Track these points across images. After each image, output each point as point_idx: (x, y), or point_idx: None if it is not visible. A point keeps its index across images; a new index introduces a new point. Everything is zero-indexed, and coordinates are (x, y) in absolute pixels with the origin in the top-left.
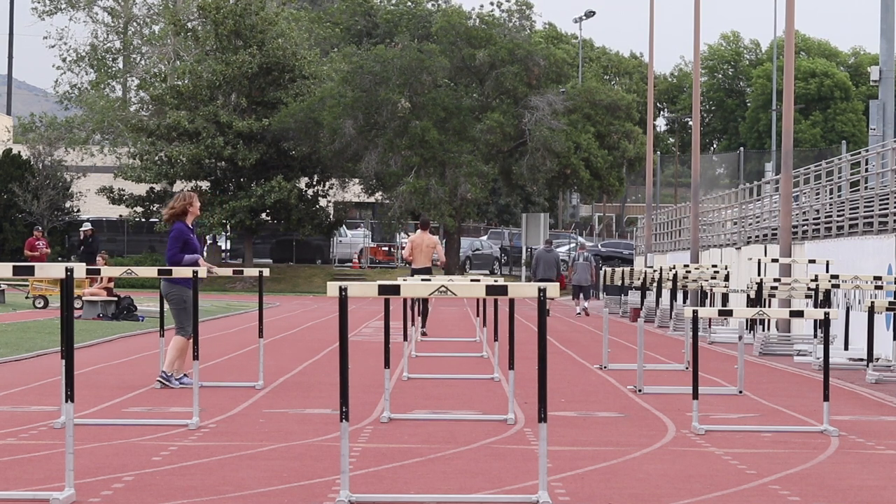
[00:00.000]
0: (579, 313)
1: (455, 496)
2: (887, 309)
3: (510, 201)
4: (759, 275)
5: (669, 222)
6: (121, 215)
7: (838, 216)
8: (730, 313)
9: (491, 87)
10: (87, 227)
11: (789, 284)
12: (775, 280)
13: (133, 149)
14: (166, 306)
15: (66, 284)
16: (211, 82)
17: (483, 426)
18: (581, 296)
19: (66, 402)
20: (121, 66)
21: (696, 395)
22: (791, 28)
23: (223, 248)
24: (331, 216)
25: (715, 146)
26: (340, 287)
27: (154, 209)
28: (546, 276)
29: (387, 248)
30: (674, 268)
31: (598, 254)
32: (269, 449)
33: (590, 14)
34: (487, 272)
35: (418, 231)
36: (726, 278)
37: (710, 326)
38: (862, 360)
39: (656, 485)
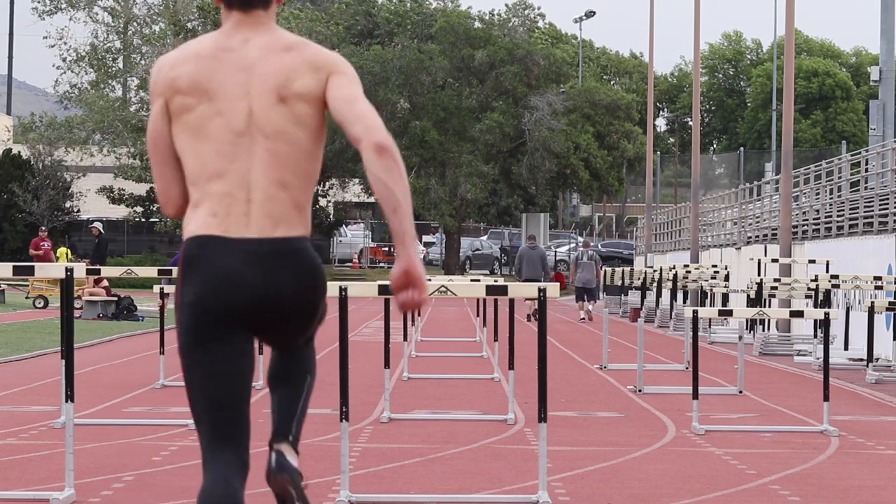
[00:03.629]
0: (583, 318)
1: (455, 496)
2: (887, 309)
3: (511, 203)
4: (759, 275)
5: (669, 222)
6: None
7: (838, 216)
8: (730, 313)
9: (490, 87)
10: (96, 225)
11: (789, 284)
12: (775, 280)
13: (133, 149)
14: (168, 306)
15: (66, 284)
16: None
17: (483, 426)
18: (585, 298)
19: (66, 402)
20: (121, 66)
21: (696, 395)
22: (791, 28)
23: None
24: (331, 216)
25: (715, 146)
26: (340, 287)
27: (154, 209)
28: (531, 277)
29: (387, 248)
30: (674, 268)
31: (598, 253)
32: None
33: (590, 14)
34: (487, 272)
35: None
36: (726, 278)
37: (710, 326)
38: (862, 360)
39: (656, 485)
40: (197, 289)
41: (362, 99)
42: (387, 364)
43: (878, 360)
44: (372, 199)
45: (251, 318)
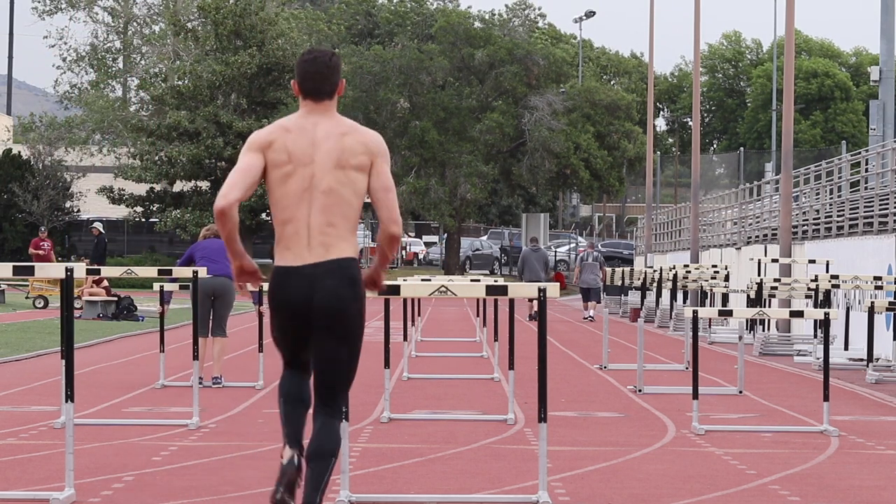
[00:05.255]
0: (586, 318)
1: (455, 496)
2: (887, 309)
3: (512, 203)
4: (759, 275)
5: (669, 222)
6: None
7: (838, 216)
8: (730, 313)
9: (490, 87)
10: (96, 225)
11: (789, 284)
12: (775, 280)
13: (133, 149)
14: (170, 307)
15: (66, 284)
16: (211, 82)
17: (483, 426)
18: (590, 299)
19: (66, 402)
20: (121, 66)
21: (696, 395)
22: (791, 28)
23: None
24: None
25: (715, 146)
26: None
27: (154, 209)
28: (533, 278)
29: None
30: (674, 268)
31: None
32: (269, 449)
33: (590, 14)
34: (487, 272)
35: None
36: (726, 278)
37: (710, 326)
38: (862, 360)
39: (656, 485)
40: (277, 300)
41: (391, 187)
42: (387, 364)
43: (878, 360)
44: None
45: (310, 313)
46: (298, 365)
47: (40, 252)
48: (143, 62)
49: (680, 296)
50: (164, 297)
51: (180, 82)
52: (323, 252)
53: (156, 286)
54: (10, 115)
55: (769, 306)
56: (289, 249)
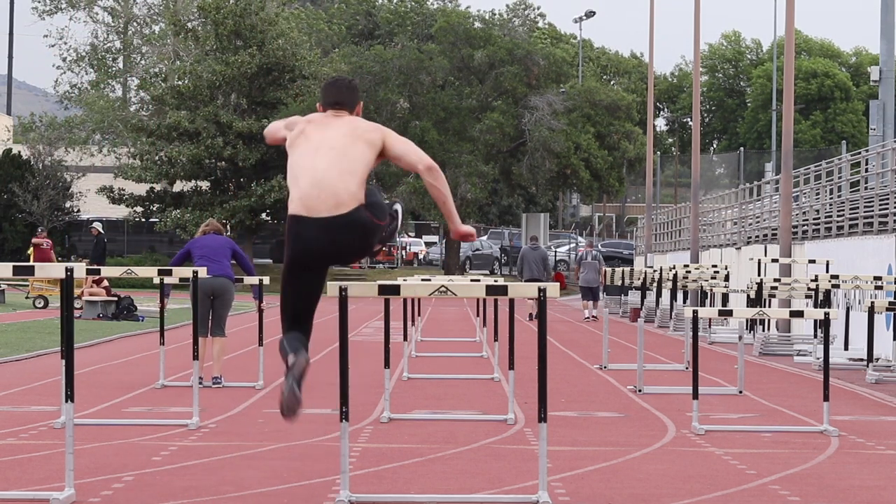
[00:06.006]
0: (588, 318)
1: (455, 496)
2: (887, 309)
3: (512, 202)
4: (759, 275)
5: (669, 222)
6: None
7: (838, 216)
8: (730, 313)
9: (490, 87)
10: (95, 225)
11: (789, 284)
12: (775, 280)
13: (133, 149)
14: (168, 306)
15: (66, 284)
16: (211, 82)
17: (483, 426)
18: (591, 298)
19: (66, 402)
20: (121, 66)
21: (696, 395)
22: (791, 28)
23: None
24: None
25: (715, 146)
26: (340, 287)
27: (154, 209)
28: (533, 277)
29: (385, 249)
30: (674, 268)
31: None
32: (269, 449)
33: (590, 14)
34: (487, 272)
35: None
36: (726, 278)
37: (710, 326)
38: (862, 360)
39: (656, 485)
40: (292, 245)
41: (408, 140)
42: (387, 364)
43: (878, 360)
44: None
45: (323, 259)
46: (299, 326)
47: (43, 244)
48: (143, 62)
49: (680, 296)
50: (164, 290)
51: (180, 82)
52: (333, 208)
53: (156, 280)
54: (10, 115)
55: (769, 306)
56: (301, 200)
